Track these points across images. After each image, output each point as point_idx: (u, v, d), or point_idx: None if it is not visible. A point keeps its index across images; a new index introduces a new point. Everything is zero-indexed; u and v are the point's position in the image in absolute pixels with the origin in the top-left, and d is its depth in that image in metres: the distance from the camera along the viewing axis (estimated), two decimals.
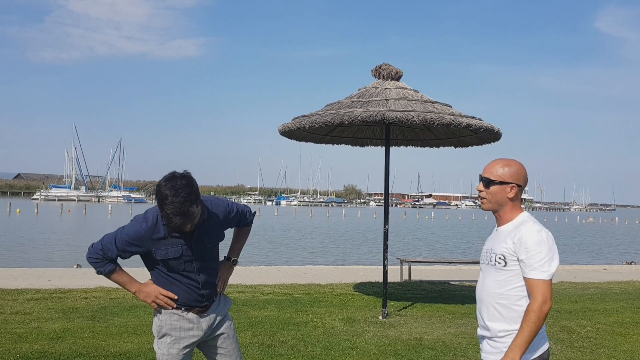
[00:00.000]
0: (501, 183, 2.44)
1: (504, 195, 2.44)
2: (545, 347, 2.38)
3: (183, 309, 2.80)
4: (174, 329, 2.78)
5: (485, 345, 2.48)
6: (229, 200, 3.11)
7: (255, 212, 3.20)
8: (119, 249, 2.71)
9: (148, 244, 2.71)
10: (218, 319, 2.91)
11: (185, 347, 2.80)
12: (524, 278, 2.31)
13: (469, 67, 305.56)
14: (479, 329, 2.54)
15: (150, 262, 2.80)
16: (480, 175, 2.51)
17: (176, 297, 2.78)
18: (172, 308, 2.79)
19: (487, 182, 2.47)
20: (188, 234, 2.74)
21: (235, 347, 2.96)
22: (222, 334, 2.92)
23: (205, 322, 2.85)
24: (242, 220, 3.08)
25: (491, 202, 2.48)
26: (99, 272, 2.78)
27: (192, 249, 2.75)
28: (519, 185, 2.44)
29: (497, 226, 2.52)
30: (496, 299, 2.40)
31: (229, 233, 3.15)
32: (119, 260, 2.82)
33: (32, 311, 6.98)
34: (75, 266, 13.45)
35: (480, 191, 2.51)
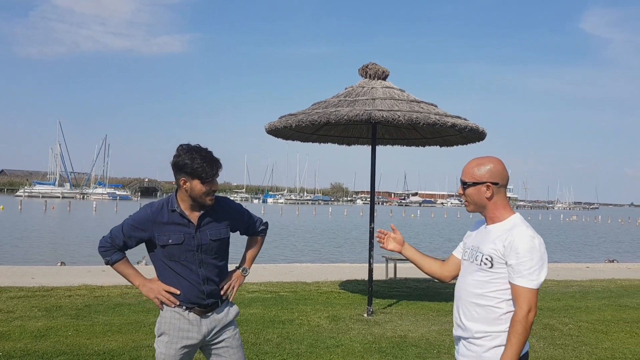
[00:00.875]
0: (475, 184, 2.37)
1: (480, 196, 2.37)
2: (524, 350, 2.30)
3: (184, 307, 2.79)
4: (172, 329, 2.78)
5: (461, 347, 2.41)
6: (242, 205, 3.11)
7: (267, 223, 3.19)
8: (125, 234, 2.78)
9: (151, 228, 2.75)
10: (221, 324, 2.88)
11: (183, 347, 2.78)
12: (510, 284, 2.24)
13: (457, 68, 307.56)
14: (455, 329, 2.47)
15: (153, 250, 2.82)
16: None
17: (178, 293, 2.78)
18: (175, 306, 2.79)
19: (463, 185, 2.42)
20: (192, 223, 2.76)
21: (237, 358, 2.91)
22: (224, 341, 2.88)
23: (206, 325, 2.83)
24: (251, 228, 3.09)
25: (472, 204, 2.42)
26: (107, 262, 2.85)
27: (195, 239, 2.77)
28: (495, 183, 2.35)
29: (487, 224, 2.43)
30: (475, 299, 2.33)
31: (238, 241, 3.14)
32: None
33: (15, 309, 6.91)
34: (59, 264, 13.34)
35: (461, 194, 2.46)
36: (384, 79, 8.03)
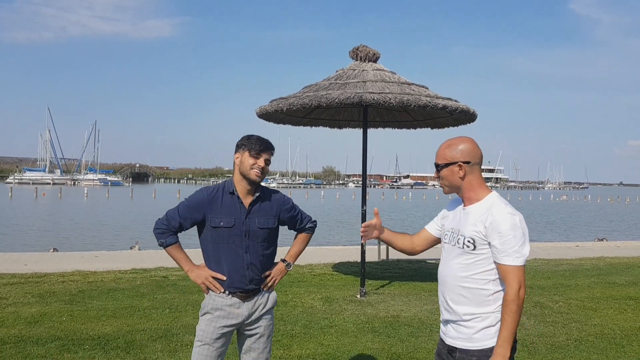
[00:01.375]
0: (446, 165, 2.35)
1: (454, 176, 2.35)
2: None
3: (227, 292, 2.91)
4: (215, 309, 2.91)
5: (450, 330, 2.41)
6: (293, 201, 3.21)
7: (316, 222, 3.29)
8: (181, 216, 2.93)
9: (205, 209, 2.90)
10: (259, 311, 2.99)
11: (222, 327, 2.90)
12: (497, 264, 2.23)
13: (447, 50, 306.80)
14: (442, 313, 2.46)
15: (203, 232, 2.95)
16: None
17: (225, 279, 2.89)
18: (219, 292, 2.91)
19: (437, 167, 2.40)
20: (244, 207, 2.91)
21: (265, 347, 3.03)
22: (259, 328, 2.99)
23: (246, 308, 2.94)
24: (299, 224, 3.19)
25: (447, 186, 2.40)
26: (160, 244, 2.98)
27: (244, 225, 2.90)
28: (466, 162, 2.33)
29: (464, 206, 2.40)
30: (461, 282, 2.32)
31: (283, 237, 3.19)
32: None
33: (9, 296, 6.91)
34: (51, 250, 13.31)
35: (436, 178, 2.44)
36: (375, 61, 8.01)
